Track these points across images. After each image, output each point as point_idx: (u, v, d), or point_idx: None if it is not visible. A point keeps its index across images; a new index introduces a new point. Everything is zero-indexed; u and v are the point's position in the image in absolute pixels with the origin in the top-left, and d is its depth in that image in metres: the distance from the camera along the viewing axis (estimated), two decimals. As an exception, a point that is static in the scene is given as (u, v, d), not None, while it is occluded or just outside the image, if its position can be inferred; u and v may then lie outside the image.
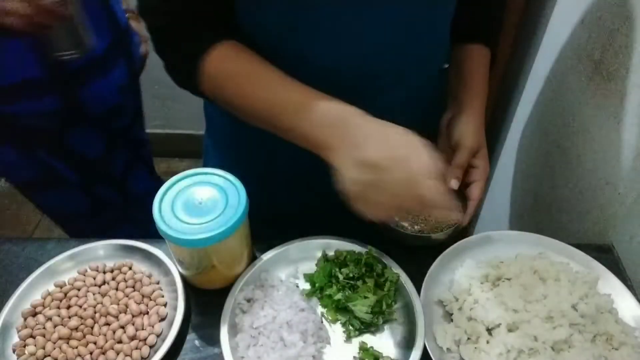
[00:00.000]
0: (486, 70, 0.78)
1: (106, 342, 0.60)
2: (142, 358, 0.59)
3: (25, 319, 0.62)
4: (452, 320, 0.62)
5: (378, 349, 0.60)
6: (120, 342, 0.60)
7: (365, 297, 0.62)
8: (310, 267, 0.69)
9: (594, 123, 0.81)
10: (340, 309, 0.64)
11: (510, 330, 0.59)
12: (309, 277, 0.67)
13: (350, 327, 0.62)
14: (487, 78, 0.78)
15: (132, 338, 0.60)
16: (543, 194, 1.01)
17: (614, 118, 0.75)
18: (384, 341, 0.62)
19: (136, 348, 0.60)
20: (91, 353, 0.59)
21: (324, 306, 0.65)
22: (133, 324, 0.61)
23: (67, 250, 0.68)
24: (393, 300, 0.64)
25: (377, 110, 0.72)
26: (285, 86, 0.58)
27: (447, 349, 0.59)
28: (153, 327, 0.62)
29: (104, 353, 0.59)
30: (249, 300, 0.64)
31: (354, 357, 0.60)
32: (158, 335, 0.61)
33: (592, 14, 0.82)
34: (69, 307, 0.63)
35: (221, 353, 0.58)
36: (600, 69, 0.79)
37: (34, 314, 0.63)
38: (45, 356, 0.59)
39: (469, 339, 0.60)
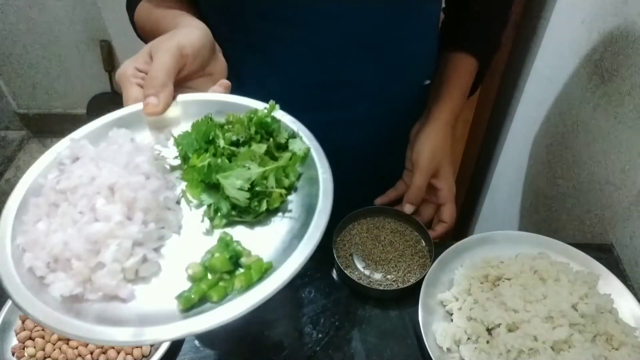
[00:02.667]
0: (466, 82, 0.74)
1: (106, 341, 0.60)
2: (143, 356, 0.59)
3: (23, 321, 0.62)
4: (452, 320, 0.62)
5: (250, 247, 0.39)
6: (120, 341, 0.60)
7: (245, 167, 0.41)
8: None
9: (594, 123, 0.81)
10: (209, 187, 0.42)
11: (510, 330, 0.59)
12: (175, 140, 0.45)
13: (216, 214, 0.40)
14: (466, 90, 0.75)
15: (132, 338, 0.60)
16: (543, 194, 1.01)
17: (614, 118, 0.75)
18: (265, 239, 0.40)
19: (137, 346, 0.60)
20: (92, 353, 0.59)
21: (185, 181, 0.43)
22: (133, 324, 0.61)
23: (67, 250, 0.68)
24: (294, 182, 0.43)
25: (355, 120, 0.71)
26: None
27: (447, 349, 0.59)
28: (153, 326, 0.62)
29: (104, 352, 0.59)
30: (75, 160, 0.42)
31: (208, 252, 0.39)
32: (158, 335, 0.61)
33: (592, 14, 0.82)
34: (68, 307, 0.63)
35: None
36: (600, 69, 0.79)
37: (33, 315, 0.63)
38: (45, 357, 0.59)
39: (469, 339, 0.60)
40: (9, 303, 0.62)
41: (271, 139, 0.45)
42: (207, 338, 0.61)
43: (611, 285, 0.64)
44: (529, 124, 1.06)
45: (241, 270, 0.37)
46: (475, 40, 0.75)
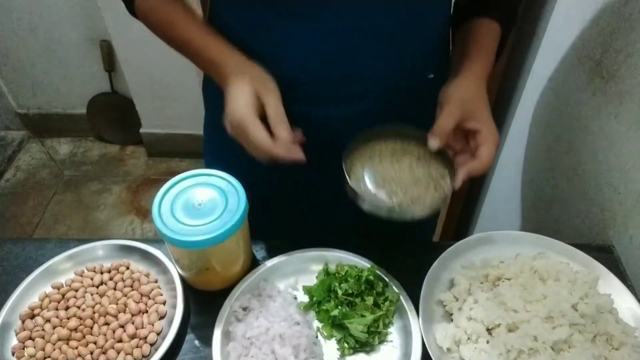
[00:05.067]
0: (492, 44, 0.71)
1: (106, 341, 0.60)
2: (143, 356, 0.59)
3: (23, 322, 0.62)
4: (452, 320, 0.62)
5: None
6: (120, 341, 0.60)
7: (362, 316, 0.61)
8: (311, 278, 0.68)
9: (594, 123, 0.81)
10: (336, 326, 0.62)
11: (510, 330, 0.59)
12: (307, 290, 0.66)
13: (345, 345, 0.61)
14: (493, 52, 0.71)
15: (133, 337, 0.60)
16: (543, 194, 1.01)
17: (614, 118, 0.75)
18: None
19: (137, 346, 0.60)
20: (91, 353, 0.59)
21: (320, 321, 0.64)
22: (133, 323, 0.61)
23: (67, 250, 0.68)
24: (391, 321, 0.63)
25: (357, 115, 0.72)
26: (202, 37, 0.65)
27: (447, 349, 0.59)
28: (153, 325, 0.62)
29: (104, 352, 0.59)
30: (245, 309, 0.63)
31: None
32: (158, 333, 0.61)
33: (592, 14, 0.82)
34: (67, 308, 0.63)
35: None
36: (600, 69, 0.79)
37: (32, 317, 0.63)
38: (45, 357, 0.59)
39: (469, 339, 0.60)
40: (8, 303, 0.63)
41: (373, 290, 0.64)
42: (206, 338, 0.61)
43: (611, 285, 0.64)
44: (529, 124, 1.06)
45: None
46: (497, 7, 0.73)
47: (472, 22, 0.73)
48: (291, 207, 0.84)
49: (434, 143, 0.61)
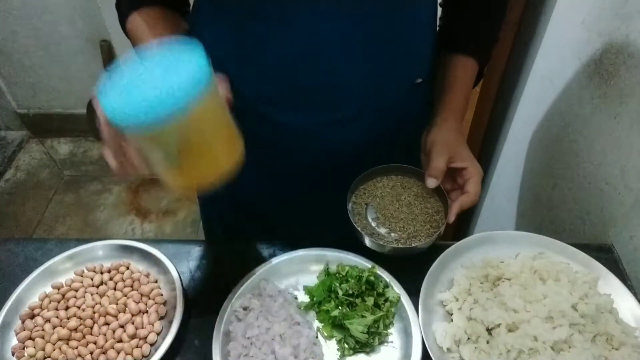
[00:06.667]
0: (468, 85, 0.76)
1: (106, 341, 0.60)
2: (143, 356, 0.59)
3: (23, 322, 0.62)
4: (452, 320, 0.62)
5: None
6: (120, 341, 0.60)
7: (363, 316, 0.61)
8: (311, 278, 0.68)
9: (594, 123, 0.81)
10: (337, 326, 0.62)
11: (510, 330, 0.59)
12: (308, 290, 0.66)
13: (345, 346, 0.61)
14: (468, 93, 0.76)
15: (133, 337, 0.60)
16: (543, 194, 1.01)
17: (614, 118, 0.75)
18: None
19: (137, 346, 0.60)
20: (91, 353, 0.59)
21: (320, 321, 0.64)
22: (133, 323, 0.61)
23: (67, 250, 0.68)
24: (391, 322, 0.63)
25: (346, 119, 0.71)
26: None
27: (447, 349, 0.59)
28: (153, 325, 0.62)
29: (104, 352, 0.59)
30: (245, 309, 0.63)
31: None
32: (158, 333, 0.61)
33: (592, 14, 0.82)
34: (67, 308, 0.63)
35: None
36: (600, 69, 0.79)
37: (32, 316, 0.63)
38: (45, 357, 0.59)
39: (469, 339, 0.60)
40: (8, 303, 0.63)
41: (374, 290, 0.64)
42: (207, 338, 0.61)
43: (611, 285, 0.64)
44: (529, 124, 1.06)
45: None
46: (475, 42, 0.75)
47: (447, 59, 0.76)
48: (289, 210, 0.84)
49: (431, 182, 0.68)
